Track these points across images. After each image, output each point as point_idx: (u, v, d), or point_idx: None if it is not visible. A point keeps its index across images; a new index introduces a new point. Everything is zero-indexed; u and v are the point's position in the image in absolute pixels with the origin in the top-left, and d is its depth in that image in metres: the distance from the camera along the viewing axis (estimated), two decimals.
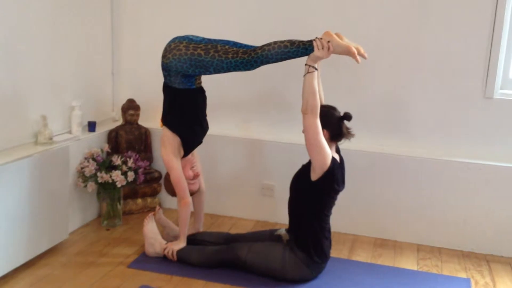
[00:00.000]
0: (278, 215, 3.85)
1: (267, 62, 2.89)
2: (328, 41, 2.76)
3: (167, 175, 3.24)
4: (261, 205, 3.91)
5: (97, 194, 3.59)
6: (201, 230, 3.46)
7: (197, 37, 3.04)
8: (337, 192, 3.00)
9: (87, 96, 3.76)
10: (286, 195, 3.78)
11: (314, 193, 2.94)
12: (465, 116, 3.59)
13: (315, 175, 2.89)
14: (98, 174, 3.45)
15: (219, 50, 2.89)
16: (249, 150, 3.87)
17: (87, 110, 3.71)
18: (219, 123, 3.98)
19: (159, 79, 4.05)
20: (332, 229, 3.37)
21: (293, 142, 3.79)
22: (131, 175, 3.52)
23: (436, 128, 3.65)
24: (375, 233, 3.70)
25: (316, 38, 2.78)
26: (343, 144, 3.73)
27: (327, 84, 3.77)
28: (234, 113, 3.98)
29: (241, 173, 3.91)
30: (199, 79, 3.13)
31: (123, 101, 3.94)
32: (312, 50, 2.79)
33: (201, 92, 3.18)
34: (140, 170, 3.61)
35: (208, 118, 4.01)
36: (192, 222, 3.44)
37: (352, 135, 3.02)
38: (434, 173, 3.56)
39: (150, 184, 3.93)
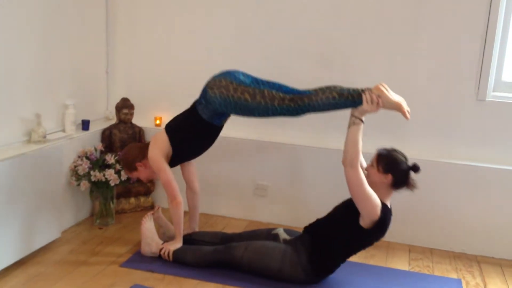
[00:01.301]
0: (272, 215, 3.86)
1: (314, 112, 2.86)
2: (379, 96, 2.72)
3: (130, 146, 3.27)
4: (254, 205, 3.91)
5: (90, 192, 3.59)
6: (197, 230, 3.46)
7: (247, 76, 3.00)
8: (379, 239, 2.95)
9: (81, 95, 3.76)
10: (280, 195, 3.82)
11: (358, 235, 2.87)
12: (458, 118, 3.61)
13: (364, 223, 2.82)
14: (92, 172, 3.45)
15: (266, 95, 2.86)
16: (243, 150, 3.87)
17: (81, 108, 3.70)
18: None
19: (153, 78, 4.08)
20: None
21: (287, 142, 3.81)
22: (124, 174, 3.52)
23: (429, 130, 3.67)
24: None
25: (366, 90, 2.74)
26: (334, 144, 3.75)
27: (320, 84, 3.79)
28: None
29: (235, 173, 3.92)
30: (227, 118, 3.13)
31: (117, 100, 3.94)
32: (360, 103, 2.74)
33: (220, 129, 3.18)
34: None
35: None
36: (187, 222, 3.45)
37: (415, 187, 2.90)
38: (427, 175, 3.56)
39: (144, 183, 3.93)
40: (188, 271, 3.05)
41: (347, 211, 2.92)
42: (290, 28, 3.78)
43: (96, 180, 3.45)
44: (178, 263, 3.11)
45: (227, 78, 2.94)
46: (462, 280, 3.21)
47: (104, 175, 3.45)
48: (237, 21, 3.88)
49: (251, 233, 3.28)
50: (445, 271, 3.32)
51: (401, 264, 3.38)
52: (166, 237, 3.34)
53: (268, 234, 3.20)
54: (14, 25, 3.11)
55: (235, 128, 3.96)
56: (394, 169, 2.84)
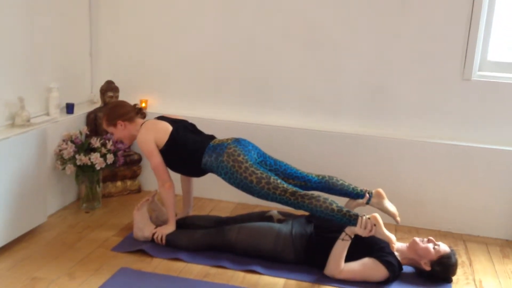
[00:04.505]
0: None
1: (309, 212, 2.95)
2: (374, 225, 2.80)
3: (124, 102, 3.28)
4: None
5: (76, 176, 3.56)
6: (191, 214, 3.46)
7: (260, 154, 3.14)
8: None
9: (65, 78, 3.71)
10: None
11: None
12: (443, 98, 3.62)
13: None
14: (77, 156, 3.42)
15: (271, 183, 2.94)
16: (229, 132, 3.85)
17: (65, 92, 3.65)
18: (200, 104, 3.96)
19: (138, 61, 4.04)
20: None
21: (275, 124, 3.80)
22: (110, 158, 3.50)
23: (414, 110, 3.67)
24: None
25: (364, 216, 2.82)
26: (325, 127, 3.76)
27: (308, 69, 3.78)
28: (216, 95, 3.97)
29: None
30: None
31: (102, 82, 3.89)
32: (354, 224, 2.82)
33: (203, 174, 3.23)
34: (120, 153, 3.59)
35: (187, 99, 4.01)
36: (181, 207, 3.45)
37: None
38: (413, 155, 3.60)
39: (130, 166, 3.91)
40: (176, 254, 3.05)
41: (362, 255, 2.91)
42: (278, 10, 3.75)
43: (82, 164, 3.43)
44: (171, 247, 3.11)
45: (245, 154, 3.02)
46: None
47: (89, 159, 3.42)
48: (223, 4, 3.84)
49: (244, 216, 3.30)
50: None
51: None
52: (160, 222, 3.31)
53: (262, 216, 3.23)
54: None
55: (221, 110, 3.95)
56: (436, 271, 2.90)
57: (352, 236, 2.86)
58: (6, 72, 3.17)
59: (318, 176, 3.19)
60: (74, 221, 3.44)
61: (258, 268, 2.95)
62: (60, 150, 3.44)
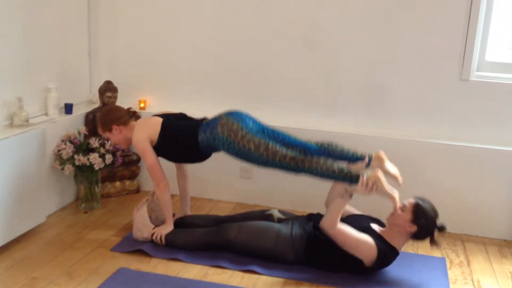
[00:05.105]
0: (257, 197, 3.87)
1: (310, 175, 2.93)
2: (375, 182, 2.80)
3: (117, 107, 3.30)
4: (240, 187, 3.91)
5: (75, 176, 3.56)
6: (189, 213, 3.46)
7: (256, 123, 3.08)
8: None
9: (64, 78, 3.71)
10: (264, 177, 3.81)
11: (357, 265, 2.89)
12: (441, 99, 3.63)
13: (365, 262, 2.87)
14: (76, 156, 3.42)
15: (269, 149, 2.92)
16: None
17: (64, 92, 3.65)
18: (198, 104, 3.96)
19: (137, 61, 4.04)
20: (310, 208, 3.40)
21: (274, 124, 3.77)
22: (109, 158, 3.50)
23: (413, 110, 3.68)
24: None
25: (365, 174, 2.81)
26: (323, 127, 3.76)
27: (306, 68, 3.78)
28: (212, 94, 3.97)
29: (220, 155, 3.89)
30: (217, 152, 3.16)
31: (100, 82, 3.89)
32: (356, 183, 2.82)
33: (206, 158, 3.23)
34: (118, 153, 3.59)
35: (186, 99, 4.01)
36: (179, 206, 3.46)
37: (436, 244, 2.95)
38: (411, 155, 3.60)
39: (129, 167, 3.91)
40: (174, 253, 3.05)
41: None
42: (276, 11, 3.75)
43: (81, 164, 3.43)
44: (171, 246, 3.11)
45: (239, 122, 2.99)
46: (446, 259, 3.25)
47: (88, 159, 3.43)
48: (222, 5, 3.84)
49: (244, 215, 3.29)
50: (429, 250, 3.34)
51: None
52: (159, 222, 3.30)
53: (262, 215, 3.22)
54: None
55: (221, 110, 3.95)
56: (422, 224, 2.87)
57: (352, 194, 2.84)
58: (4, 71, 3.17)
59: (317, 143, 3.10)
60: (73, 221, 3.44)
61: (257, 268, 2.95)
62: (59, 150, 3.44)
